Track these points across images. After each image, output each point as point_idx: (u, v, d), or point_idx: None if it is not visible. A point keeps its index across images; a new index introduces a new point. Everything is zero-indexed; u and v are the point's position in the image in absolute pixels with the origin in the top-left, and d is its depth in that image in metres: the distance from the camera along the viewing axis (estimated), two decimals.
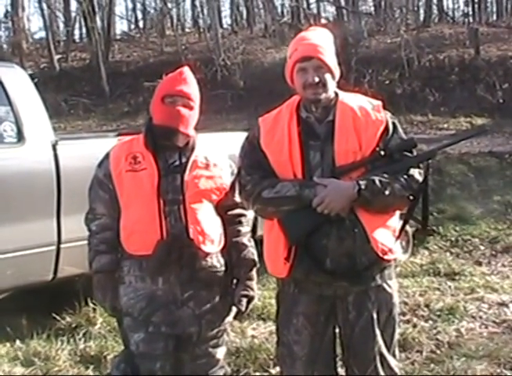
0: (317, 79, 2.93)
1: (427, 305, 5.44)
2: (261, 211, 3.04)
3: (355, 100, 3.04)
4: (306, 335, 3.04)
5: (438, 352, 4.59)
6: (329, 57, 2.98)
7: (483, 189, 10.15)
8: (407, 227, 7.32)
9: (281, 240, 2.94)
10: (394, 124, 3.02)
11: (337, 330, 3.11)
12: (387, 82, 18.44)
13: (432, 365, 4.36)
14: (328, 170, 2.92)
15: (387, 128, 2.98)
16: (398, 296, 5.62)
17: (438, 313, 5.28)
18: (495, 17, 27.85)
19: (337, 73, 3.03)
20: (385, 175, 2.90)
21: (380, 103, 3.06)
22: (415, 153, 3.04)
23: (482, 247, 7.56)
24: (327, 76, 2.96)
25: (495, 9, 28.80)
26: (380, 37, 22.63)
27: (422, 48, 19.72)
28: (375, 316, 3.01)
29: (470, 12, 27.59)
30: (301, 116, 3.02)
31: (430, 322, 5.15)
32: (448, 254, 7.35)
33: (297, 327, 3.06)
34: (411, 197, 2.96)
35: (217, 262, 3.27)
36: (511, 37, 21.12)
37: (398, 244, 3.06)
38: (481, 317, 5.29)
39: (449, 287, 6.02)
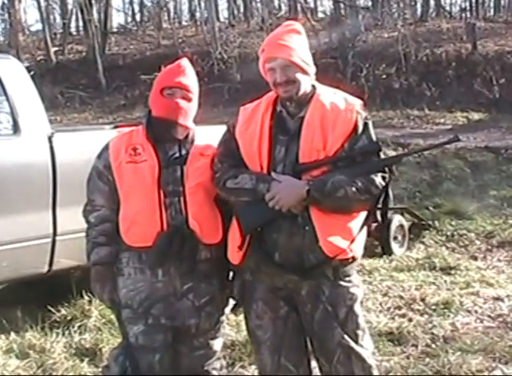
0: (284, 78, 2.97)
1: (422, 300, 5.44)
2: (226, 198, 3.13)
3: (331, 97, 3.05)
4: (267, 319, 3.09)
5: (434, 346, 4.59)
6: (297, 55, 2.99)
7: (479, 184, 10.18)
8: (403, 222, 7.42)
9: (237, 229, 3.02)
10: (366, 124, 3.03)
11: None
12: (384, 77, 18.44)
13: (427, 359, 4.35)
14: (290, 166, 2.97)
15: (356, 128, 3.00)
16: (394, 290, 5.69)
17: (434, 307, 5.29)
18: (492, 12, 27.87)
19: (310, 68, 3.05)
20: (342, 177, 2.92)
21: (356, 101, 3.07)
22: (382, 157, 3.06)
23: (478, 242, 7.57)
24: (296, 73, 2.99)
25: (492, 4, 28.81)
26: (378, 31, 22.63)
27: (419, 42, 19.74)
28: (330, 309, 3.02)
29: (468, 7, 27.61)
30: (276, 110, 3.06)
31: (426, 316, 5.15)
32: (443, 248, 7.36)
33: (257, 313, 3.11)
34: (369, 201, 2.99)
35: (216, 254, 3.25)
36: (508, 32, 21.15)
37: (358, 243, 3.06)
38: (476, 312, 5.30)
39: (445, 281, 6.02)
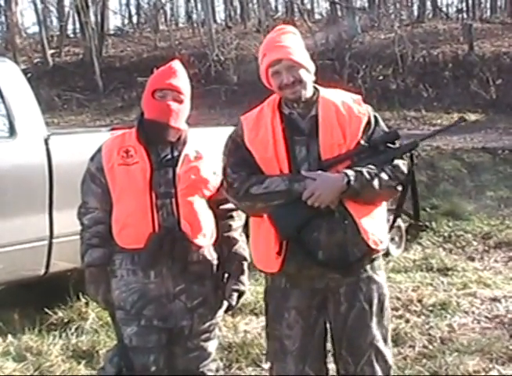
0: (292, 79, 2.96)
1: (419, 301, 5.44)
2: (249, 207, 3.03)
3: (336, 95, 3.08)
4: (298, 329, 3.05)
5: (431, 347, 4.60)
6: (299, 55, 3.00)
7: (476, 185, 10.18)
8: (400, 222, 7.41)
9: (271, 235, 2.94)
10: (375, 117, 3.06)
11: (328, 325, 3.11)
12: (380, 78, 18.47)
13: (424, 360, 4.36)
14: (314, 163, 2.95)
15: (369, 121, 3.02)
16: (391, 291, 5.68)
17: (431, 308, 5.29)
18: (489, 13, 27.91)
19: (311, 67, 3.05)
20: (371, 167, 2.94)
21: (359, 97, 3.10)
22: (398, 145, 3.07)
23: (475, 243, 7.57)
24: (301, 72, 2.98)
25: (489, 5, 28.86)
26: (374, 32, 22.67)
27: (416, 43, 19.76)
28: (367, 307, 3.02)
29: (464, 8, 27.68)
30: (284, 112, 3.04)
31: (423, 317, 5.15)
32: (441, 249, 7.36)
33: (289, 322, 3.05)
34: (399, 188, 3.02)
35: (209, 255, 3.27)
36: (505, 33, 21.20)
37: (387, 235, 3.08)
38: (473, 312, 5.30)
39: (442, 282, 6.02)
